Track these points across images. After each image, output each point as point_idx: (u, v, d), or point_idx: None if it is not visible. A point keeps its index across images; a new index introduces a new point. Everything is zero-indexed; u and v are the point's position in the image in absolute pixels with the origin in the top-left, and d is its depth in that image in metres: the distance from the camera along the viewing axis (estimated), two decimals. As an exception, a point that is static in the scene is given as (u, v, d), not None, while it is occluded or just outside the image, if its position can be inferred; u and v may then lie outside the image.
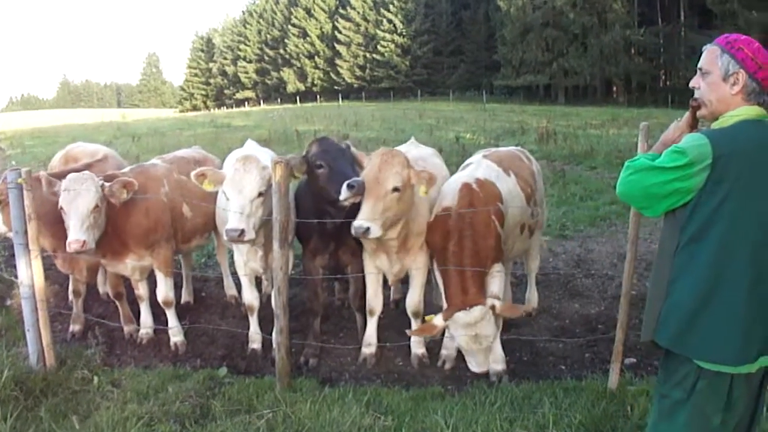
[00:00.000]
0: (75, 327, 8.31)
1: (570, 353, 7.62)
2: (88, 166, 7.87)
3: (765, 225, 3.56)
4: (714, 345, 3.58)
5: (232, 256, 8.65)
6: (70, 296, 8.82)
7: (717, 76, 3.74)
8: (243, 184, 6.61)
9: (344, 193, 6.29)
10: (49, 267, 9.74)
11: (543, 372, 7.17)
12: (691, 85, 3.94)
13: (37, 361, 6.94)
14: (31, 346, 6.96)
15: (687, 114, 4.20)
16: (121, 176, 7.34)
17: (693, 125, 4.18)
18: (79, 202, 6.85)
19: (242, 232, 6.45)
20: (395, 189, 6.32)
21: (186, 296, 9.62)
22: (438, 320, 6.34)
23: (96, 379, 6.79)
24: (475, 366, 6.49)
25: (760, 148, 3.56)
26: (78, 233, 6.78)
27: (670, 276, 3.74)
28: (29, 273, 6.84)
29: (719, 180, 3.50)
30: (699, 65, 3.87)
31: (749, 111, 3.69)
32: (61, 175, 7.26)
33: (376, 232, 6.21)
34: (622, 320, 6.29)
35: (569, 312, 8.92)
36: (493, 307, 6.28)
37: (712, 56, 3.79)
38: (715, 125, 3.80)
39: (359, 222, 6.16)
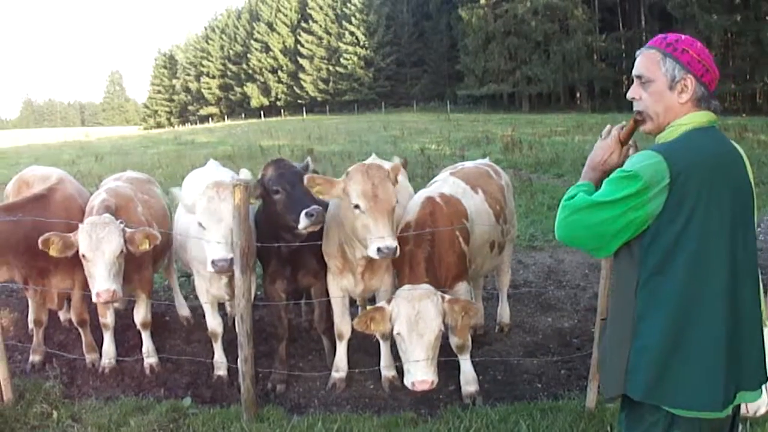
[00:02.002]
0: (35, 358, 7.99)
1: (545, 370, 7.49)
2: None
3: (735, 246, 3.23)
4: (692, 391, 3.18)
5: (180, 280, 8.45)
6: (30, 325, 8.58)
7: (662, 84, 3.37)
8: (221, 213, 6.37)
9: (303, 222, 6.15)
10: (9, 294, 9.54)
11: (518, 391, 7.01)
12: (629, 96, 3.56)
13: (-7, 395, 6.67)
14: (-12, 380, 6.70)
15: (615, 129, 3.78)
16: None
17: (624, 141, 3.72)
18: (104, 249, 6.66)
19: (231, 261, 6.27)
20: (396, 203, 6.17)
21: (182, 311, 9.55)
22: (383, 303, 6.05)
23: (56, 413, 6.55)
24: (413, 374, 5.76)
25: (718, 158, 3.25)
26: (106, 282, 6.62)
27: (633, 317, 3.30)
28: (-17, 305, 6.59)
29: (680, 201, 3.12)
30: (636, 73, 3.49)
31: (697, 118, 3.35)
32: (14, 207, 7.06)
33: (398, 248, 5.98)
34: (598, 337, 6.11)
35: (542, 326, 8.80)
36: (441, 295, 5.96)
37: (652, 62, 3.42)
38: (660, 138, 3.44)
39: (390, 242, 5.87)
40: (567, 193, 3.49)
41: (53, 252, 6.68)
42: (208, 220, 6.41)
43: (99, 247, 6.63)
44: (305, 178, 6.23)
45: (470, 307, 6.06)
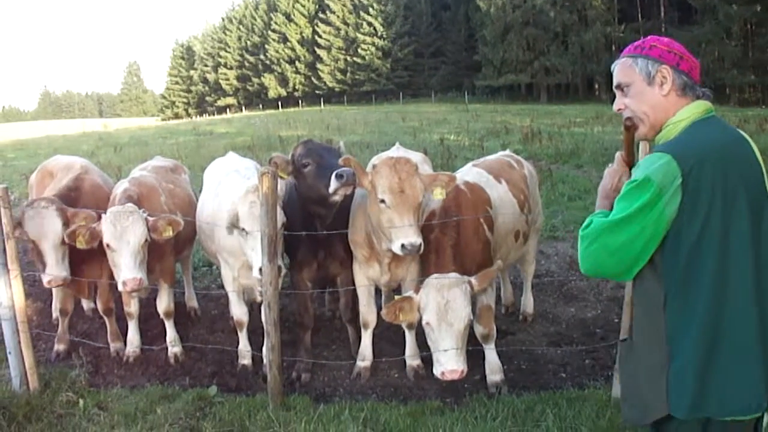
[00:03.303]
0: (60, 347, 8.04)
1: (570, 360, 7.47)
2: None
3: (756, 236, 3.09)
4: (735, 396, 3.05)
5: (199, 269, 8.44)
6: (54, 314, 8.62)
7: (640, 83, 3.36)
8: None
9: (334, 184, 6.17)
10: (32, 284, 9.58)
11: (543, 381, 7.00)
12: (615, 108, 3.53)
13: (20, 384, 6.75)
14: (14, 369, 6.76)
15: (618, 154, 3.72)
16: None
17: (629, 161, 3.65)
18: (129, 238, 6.71)
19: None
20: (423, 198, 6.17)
21: (191, 302, 9.53)
22: (411, 293, 6.06)
23: (81, 401, 6.58)
24: (444, 363, 5.77)
25: (726, 149, 3.13)
26: (132, 271, 6.69)
27: (665, 338, 3.15)
28: (9, 293, 6.63)
29: (695, 200, 3.00)
30: (615, 84, 3.49)
31: (695, 109, 3.28)
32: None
33: (422, 245, 5.99)
34: (625, 327, 6.12)
35: (565, 316, 8.78)
36: (469, 283, 5.96)
37: (625, 67, 3.42)
38: (659, 139, 3.37)
39: (415, 239, 5.89)
40: (584, 223, 3.35)
41: (80, 244, 6.73)
42: (253, 226, 6.38)
43: (123, 237, 6.67)
44: (342, 158, 6.23)
45: (489, 272, 6.19)
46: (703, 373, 3.06)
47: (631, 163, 3.66)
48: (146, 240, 6.82)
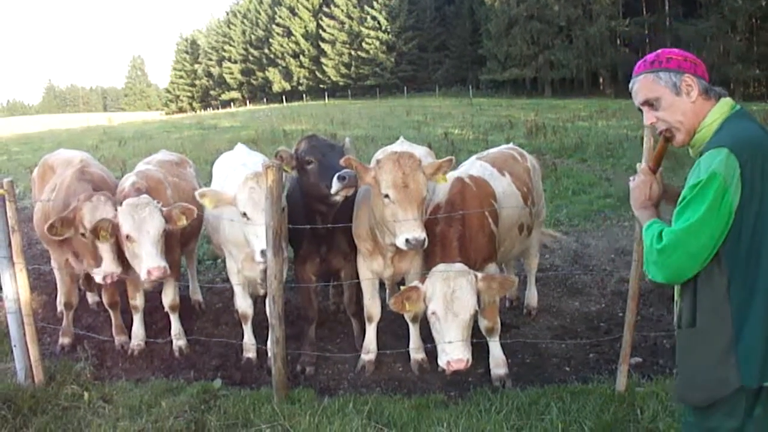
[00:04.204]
0: (64, 340, 8.08)
1: (574, 354, 7.47)
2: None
3: None
4: None
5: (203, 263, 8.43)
6: (59, 308, 8.63)
7: (668, 95, 3.52)
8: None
9: (335, 186, 6.21)
10: (37, 277, 9.60)
11: (547, 375, 7.02)
12: (646, 123, 3.68)
13: (25, 377, 6.75)
14: (19, 362, 6.76)
15: (639, 165, 4.01)
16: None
17: (655, 169, 3.83)
18: (149, 227, 6.75)
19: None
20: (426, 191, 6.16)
21: (195, 296, 9.57)
22: (417, 282, 6.07)
23: (86, 394, 6.58)
24: (450, 353, 5.78)
25: (766, 136, 3.34)
26: (156, 259, 6.73)
27: (732, 318, 3.30)
28: (14, 287, 6.63)
29: (752, 188, 3.18)
30: (640, 102, 3.63)
31: (722, 108, 3.48)
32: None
33: (426, 240, 6.00)
34: (629, 320, 6.13)
35: (569, 310, 8.79)
36: (475, 276, 5.98)
37: (649, 84, 3.58)
38: (695, 143, 3.55)
39: (419, 233, 5.91)
40: (645, 238, 3.50)
41: (103, 238, 6.75)
42: (253, 211, 6.42)
43: (143, 227, 6.71)
44: (343, 159, 6.23)
45: (507, 282, 6.22)
46: (767, 344, 3.25)
47: (656, 170, 3.83)
48: (164, 230, 6.87)
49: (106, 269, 6.94)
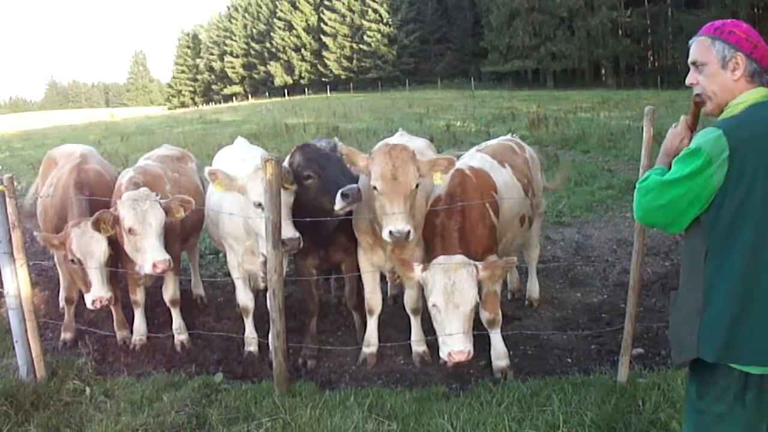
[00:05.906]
0: (66, 335, 8.09)
1: (575, 345, 7.47)
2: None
3: None
4: (763, 347, 3.33)
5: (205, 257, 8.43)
6: (61, 303, 8.64)
7: (715, 65, 3.59)
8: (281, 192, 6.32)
9: (339, 204, 6.18)
10: (39, 273, 9.61)
11: (549, 366, 7.00)
12: (688, 82, 3.79)
13: (27, 373, 6.74)
14: (21, 358, 6.76)
15: (683, 118, 4.11)
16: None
17: (693, 127, 4.04)
18: (151, 220, 6.76)
19: (299, 239, 6.42)
20: (416, 185, 6.14)
21: (197, 290, 9.59)
22: (418, 264, 6.13)
23: (88, 389, 6.59)
24: (451, 344, 5.81)
25: None
26: (161, 252, 6.76)
27: (704, 286, 3.48)
28: (16, 282, 6.63)
29: (741, 172, 3.29)
30: (691, 60, 3.73)
31: (755, 94, 3.52)
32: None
33: (412, 233, 6.03)
34: (631, 312, 6.11)
35: (571, 301, 8.80)
36: (476, 267, 5.99)
37: (703, 47, 3.64)
38: (722, 117, 3.60)
39: (402, 226, 5.91)
40: (642, 176, 3.75)
41: (105, 232, 6.77)
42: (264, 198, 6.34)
43: (146, 219, 6.71)
44: (339, 148, 6.21)
45: (508, 263, 6.32)
46: (733, 324, 3.37)
47: (693, 129, 4.04)
48: (165, 222, 6.88)
49: (95, 294, 6.94)
